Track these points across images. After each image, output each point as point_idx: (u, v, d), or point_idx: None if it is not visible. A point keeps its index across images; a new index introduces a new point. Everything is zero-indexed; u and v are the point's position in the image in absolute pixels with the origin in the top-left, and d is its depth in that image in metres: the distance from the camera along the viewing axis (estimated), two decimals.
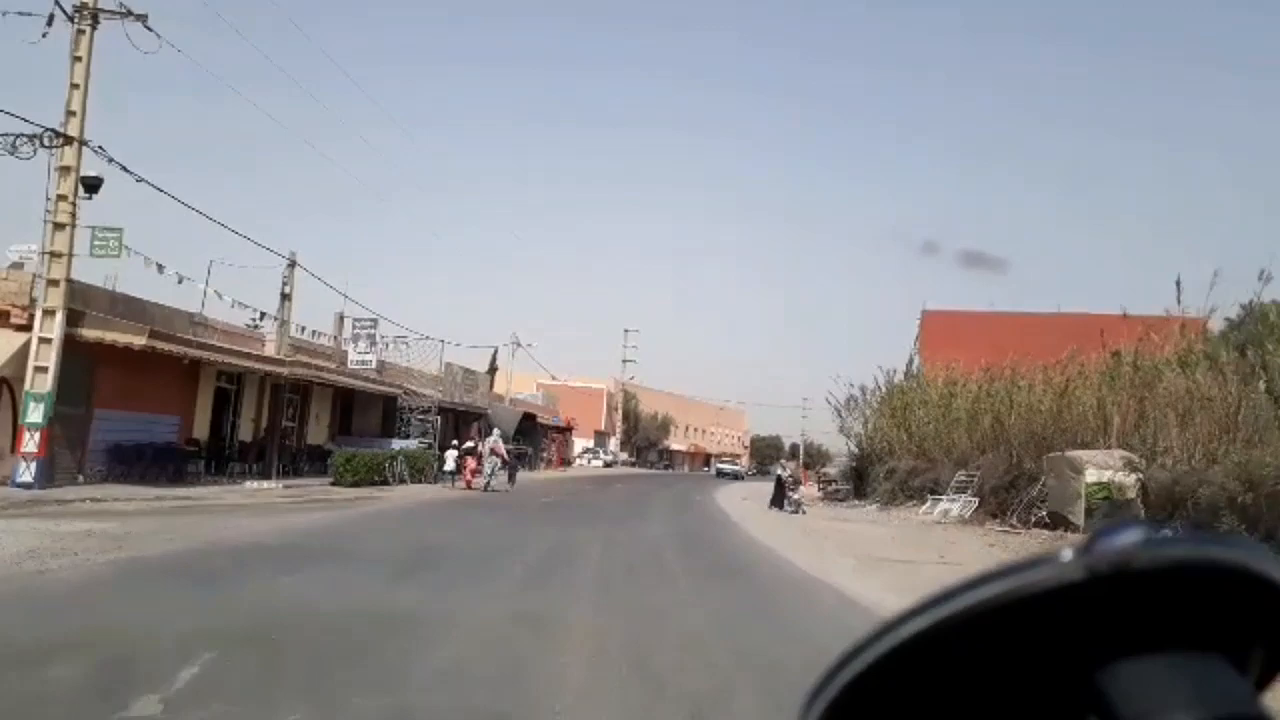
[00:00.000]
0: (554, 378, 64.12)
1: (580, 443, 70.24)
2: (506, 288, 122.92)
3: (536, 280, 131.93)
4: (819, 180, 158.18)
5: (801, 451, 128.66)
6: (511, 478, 28.41)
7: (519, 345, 46.25)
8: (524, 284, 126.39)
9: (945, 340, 38.68)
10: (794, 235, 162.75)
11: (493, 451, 27.66)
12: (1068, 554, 0.44)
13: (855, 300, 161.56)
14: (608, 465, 69.85)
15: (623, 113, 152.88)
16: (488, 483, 27.00)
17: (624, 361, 75.84)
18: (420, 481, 27.18)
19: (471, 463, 27.80)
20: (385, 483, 25.13)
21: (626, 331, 76.29)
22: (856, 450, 38.08)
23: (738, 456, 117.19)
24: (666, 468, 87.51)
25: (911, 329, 43.47)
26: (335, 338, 28.00)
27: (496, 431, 28.81)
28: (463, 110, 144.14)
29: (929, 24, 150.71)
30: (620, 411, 77.75)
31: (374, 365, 28.02)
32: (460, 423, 37.46)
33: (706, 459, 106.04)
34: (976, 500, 26.89)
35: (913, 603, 0.46)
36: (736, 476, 62.67)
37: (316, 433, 28.32)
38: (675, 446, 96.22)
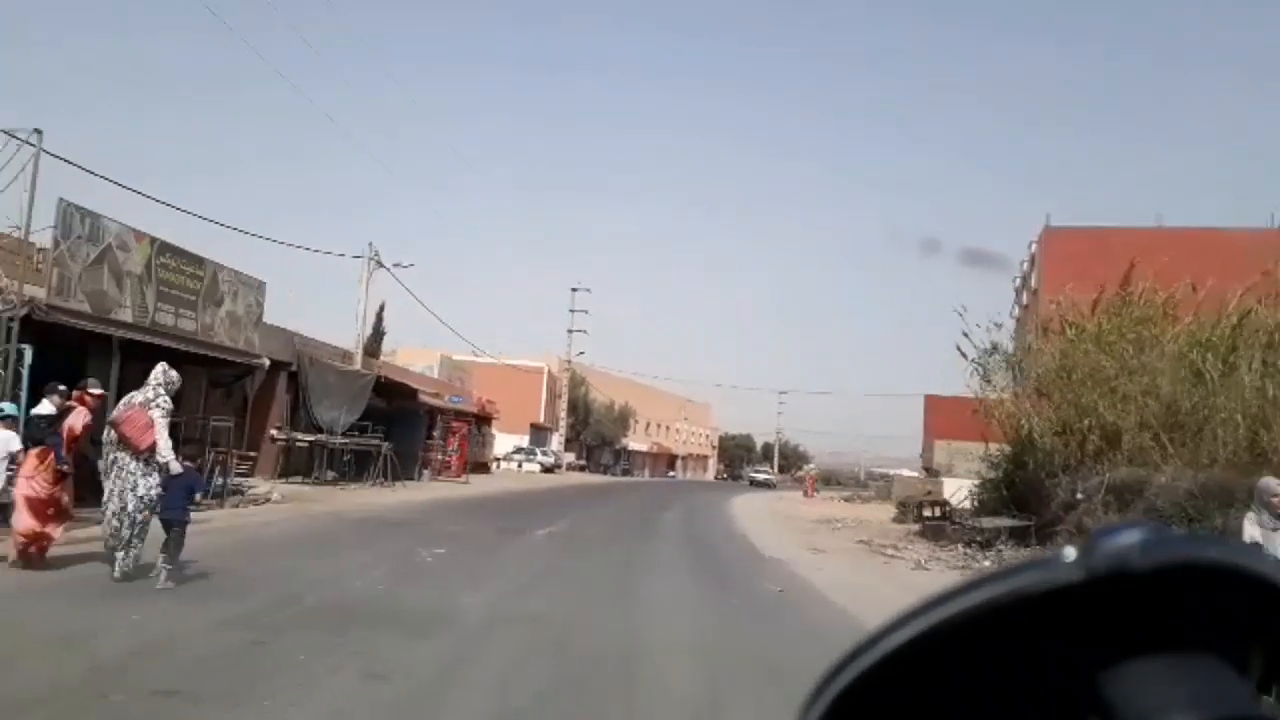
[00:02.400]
0: (476, 352, 45.09)
1: (510, 440, 51.10)
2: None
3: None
4: (803, 171, 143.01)
5: (776, 452, 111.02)
6: (171, 529, 8.07)
7: (379, 264, 26.39)
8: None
9: (1085, 267, 23.57)
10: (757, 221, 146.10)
11: (117, 434, 8.49)
12: (1068, 554, 0.44)
13: (830, 289, 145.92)
14: (548, 470, 50.97)
15: (617, 106, 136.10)
16: (121, 540, 8.04)
17: (570, 331, 56.61)
18: None
19: (31, 469, 8.71)
20: None
21: (574, 291, 56.85)
22: (1009, 448, 19.61)
23: (706, 458, 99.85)
24: (625, 472, 68.65)
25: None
26: None
27: (88, 384, 9.47)
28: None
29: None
30: (565, 399, 58.41)
31: None
32: (214, 389, 18.36)
33: (671, 461, 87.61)
34: None
35: (911, 605, 0.45)
36: (767, 485, 63.08)
37: None
38: (634, 446, 76.66)
